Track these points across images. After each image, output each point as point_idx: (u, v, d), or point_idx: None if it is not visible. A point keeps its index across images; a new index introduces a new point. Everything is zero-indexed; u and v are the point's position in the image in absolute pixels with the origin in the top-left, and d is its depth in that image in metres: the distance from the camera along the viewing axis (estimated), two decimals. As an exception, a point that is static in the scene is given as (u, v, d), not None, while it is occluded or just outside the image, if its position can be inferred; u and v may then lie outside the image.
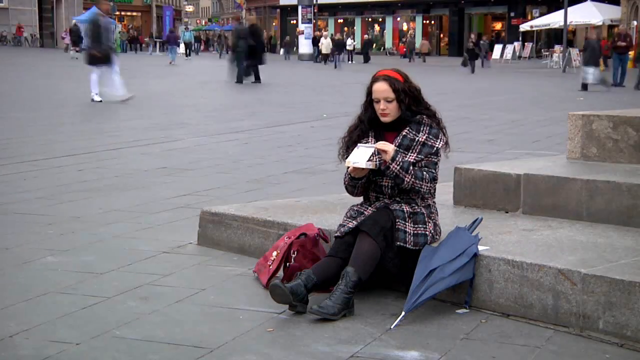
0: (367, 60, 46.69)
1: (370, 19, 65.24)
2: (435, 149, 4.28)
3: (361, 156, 4.17)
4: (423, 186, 4.24)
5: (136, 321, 3.89)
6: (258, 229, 5.03)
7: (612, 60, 26.20)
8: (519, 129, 13.04)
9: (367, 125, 4.37)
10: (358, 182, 4.34)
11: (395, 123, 4.33)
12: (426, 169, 4.27)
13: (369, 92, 4.36)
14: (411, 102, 4.31)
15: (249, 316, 3.98)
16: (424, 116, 4.34)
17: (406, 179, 4.20)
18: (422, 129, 4.30)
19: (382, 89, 4.29)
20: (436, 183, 4.32)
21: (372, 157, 4.19)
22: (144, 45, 63.68)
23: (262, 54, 25.29)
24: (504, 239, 4.38)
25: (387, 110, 4.30)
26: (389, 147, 4.17)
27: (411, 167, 4.20)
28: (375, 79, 4.35)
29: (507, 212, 5.01)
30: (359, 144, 4.25)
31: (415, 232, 4.20)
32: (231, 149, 10.32)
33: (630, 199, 4.57)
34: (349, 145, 4.41)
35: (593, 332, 3.71)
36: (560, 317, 3.81)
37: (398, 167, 4.17)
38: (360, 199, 4.54)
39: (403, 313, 3.87)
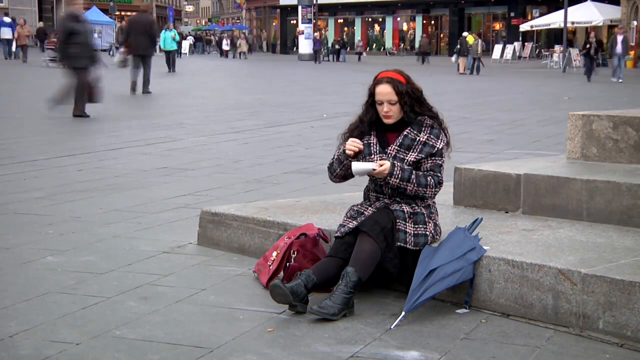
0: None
1: (370, 19, 65.25)
2: (436, 149, 4.28)
3: (361, 167, 4.23)
4: (427, 192, 4.25)
5: (136, 321, 3.89)
6: (258, 229, 5.03)
7: None
8: (519, 129, 13.05)
9: (369, 127, 4.38)
10: (344, 172, 4.36)
11: (398, 124, 4.33)
12: (431, 172, 4.27)
13: (371, 94, 4.36)
14: (414, 103, 4.32)
15: (249, 316, 3.98)
16: (426, 117, 4.34)
17: (408, 187, 4.22)
18: (423, 129, 4.30)
19: (385, 91, 4.29)
20: (441, 186, 4.31)
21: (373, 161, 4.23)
22: None
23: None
24: (504, 239, 4.38)
25: (391, 113, 4.30)
26: (384, 167, 4.18)
27: (413, 176, 4.21)
28: (378, 81, 4.35)
29: (507, 212, 5.01)
30: (352, 163, 4.25)
31: (416, 232, 4.20)
32: (231, 149, 10.32)
33: (630, 199, 4.57)
34: None
35: (593, 332, 3.71)
36: (560, 317, 3.81)
37: (397, 180, 4.19)
38: (360, 199, 4.54)
39: (403, 313, 3.87)
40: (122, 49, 20.08)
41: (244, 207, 5.44)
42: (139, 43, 18.03)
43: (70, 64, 13.27)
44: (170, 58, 30.88)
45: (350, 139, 4.29)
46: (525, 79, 28.95)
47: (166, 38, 30.62)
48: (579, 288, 3.75)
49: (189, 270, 4.79)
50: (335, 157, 4.38)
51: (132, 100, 17.29)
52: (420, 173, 4.25)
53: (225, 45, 55.48)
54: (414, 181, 4.21)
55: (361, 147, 4.28)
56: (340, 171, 4.38)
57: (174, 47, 31.40)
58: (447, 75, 30.77)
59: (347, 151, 4.28)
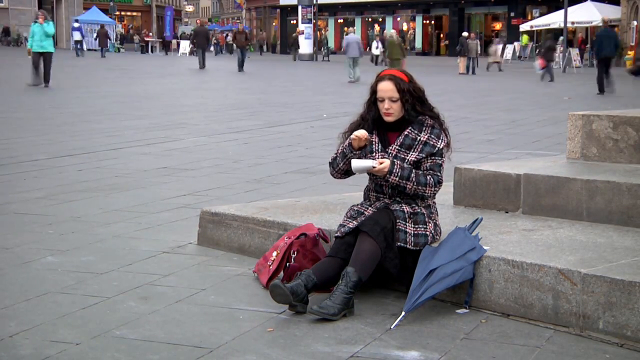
0: None
1: (370, 19, 65.26)
2: (437, 149, 4.28)
3: (361, 165, 4.25)
4: (427, 191, 4.26)
5: (136, 321, 3.89)
6: (258, 229, 5.03)
7: None
8: (519, 129, 13.05)
9: (371, 125, 4.37)
10: (346, 167, 4.35)
11: (398, 123, 4.33)
12: (431, 172, 4.27)
13: (374, 91, 4.36)
14: (415, 102, 4.31)
15: (249, 316, 3.98)
16: (427, 117, 4.34)
17: (407, 186, 4.22)
18: (424, 129, 4.30)
19: (387, 88, 4.29)
20: (441, 186, 4.32)
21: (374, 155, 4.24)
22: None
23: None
24: (504, 239, 4.38)
25: (391, 110, 4.30)
26: (384, 165, 4.18)
27: (412, 174, 4.21)
28: (380, 78, 4.36)
29: (507, 212, 5.01)
30: (352, 160, 4.27)
31: (416, 232, 4.20)
32: (231, 149, 10.32)
33: (630, 199, 4.57)
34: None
35: (593, 332, 3.71)
36: (560, 317, 3.81)
37: (397, 178, 4.20)
38: (360, 199, 4.54)
39: (403, 313, 3.87)
40: (191, 45, 40.68)
41: (244, 207, 5.44)
42: (200, 42, 33.44)
43: None
44: (45, 64, 19.85)
45: (357, 131, 4.29)
46: (525, 79, 28.94)
47: (35, 33, 19.82)
48: (579, 288, 3.75)
49: (189, 270, 4.79)
50: (340, 150, 4.38)
51: (131, 100, 17.31)
52: (420, 172, 4.26)
53: (376, 49, 40.54)
54: (414, 180, 4.21)
55: (367, 136, 4.27)
56: (343, 165, 4.37)
57: (48, 47, 19.85)
58: (447, 76, 30.77)
59: (352, 141, 4.28)
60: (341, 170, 4.40)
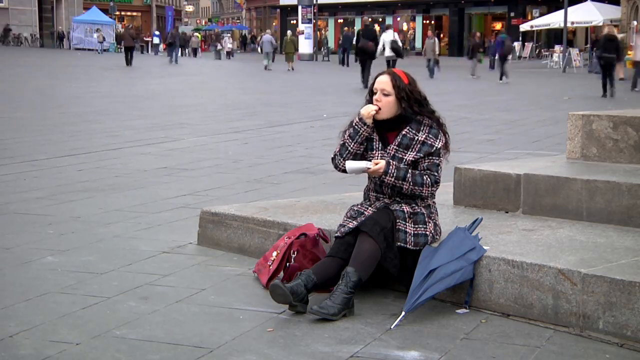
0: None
1: (370, 19, 65.24)
2: (434, 148, 4.27)
3: (355, 166, 4.27)
4: (424, 191, 4.24)
5: (136, 321, 3.89)
6: (258, 229, 5.03)
7: None
8: (519, 129, 13.05)
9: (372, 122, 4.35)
10: (357, 147, 4.33)
11: (397, 122, 4.31)
12: (428, 172, 4.26)
13: (372, 85, 4.36)
14: (412, 103, 4.29)
15: (249, 316, 3.98)
16: (426, 117, 4.33)
17: (404, 186, 4.21)
18: (422, 128, 4.30)
19: (382, 80, 4.30)
20: (438, 186, 4.31)
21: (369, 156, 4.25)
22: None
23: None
24: (504, 239, 4.38)
25: (380, 104, 4.27)
26: (379, 166, 4.18)
27: (409, 175, 4.20)
28: (380, 73, 4.37)
29: (507, 212, 5.01)
30: (347, 161, 4.28)
31: (416, 232, 4.20)
32: (231, 149, 10.33)
33: (630, 199, 4.57)
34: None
35: (593, 332, 3.71)
36: (560, 317, 3.81)
37: (392, 179, 4.19)
38: (360, 199, 4.54)
39: (403, 313, 3.87)
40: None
41: (244, 207, 5.44)
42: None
43: None
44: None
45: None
46: (525, 79, 28.94)
47: None
48: (579, 288, 3.75)
49: (189, 270, 4.79)
50: (351, 132, 4.33)
51: (131, 100, 17.31)
52: (417, 172, 4.24)
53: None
54: (410, 180, 4.20)
55: (375, 108, 4.27)
56: (355, 145, 4.32)
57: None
58: (447, 76, 30.75)
59: (366, 119, 4.27)
60: (351, 153, 4.36)
